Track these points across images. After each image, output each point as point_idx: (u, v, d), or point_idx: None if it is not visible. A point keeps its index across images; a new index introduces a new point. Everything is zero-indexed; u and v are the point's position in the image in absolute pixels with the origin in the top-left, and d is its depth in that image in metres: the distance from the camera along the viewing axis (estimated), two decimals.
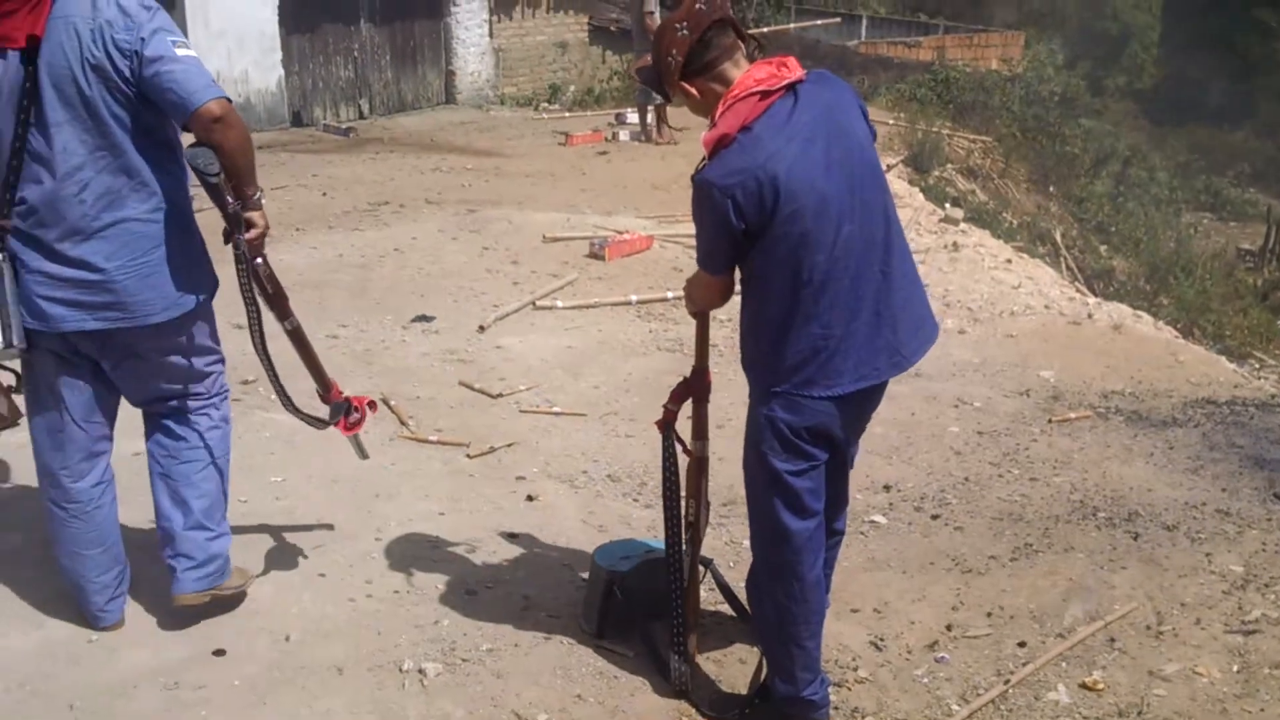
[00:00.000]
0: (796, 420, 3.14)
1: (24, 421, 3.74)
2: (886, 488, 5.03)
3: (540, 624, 3.91)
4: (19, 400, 5.03)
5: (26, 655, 3.65)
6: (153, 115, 3.40)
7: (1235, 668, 3.75)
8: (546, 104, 16.58)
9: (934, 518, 4.80)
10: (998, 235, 10.14)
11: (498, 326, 6.88)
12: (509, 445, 5.31)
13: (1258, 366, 10.32)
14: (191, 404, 3.76)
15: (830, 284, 3.04)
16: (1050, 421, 5.78)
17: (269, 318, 3.73)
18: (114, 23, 3.28)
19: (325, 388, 4.03)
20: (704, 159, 3.08)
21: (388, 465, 5.05)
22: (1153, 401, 6.12)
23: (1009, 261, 9.05)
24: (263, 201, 3.63)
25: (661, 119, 12.89)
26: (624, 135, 13.24)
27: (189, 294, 3.57)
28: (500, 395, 5.90)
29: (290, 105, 14.19)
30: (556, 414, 5.72)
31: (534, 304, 7.31)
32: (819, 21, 20.95)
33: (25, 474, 4.47)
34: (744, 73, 3.10)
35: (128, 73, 3.30)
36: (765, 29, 17.08)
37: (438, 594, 4.08)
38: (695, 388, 3.51)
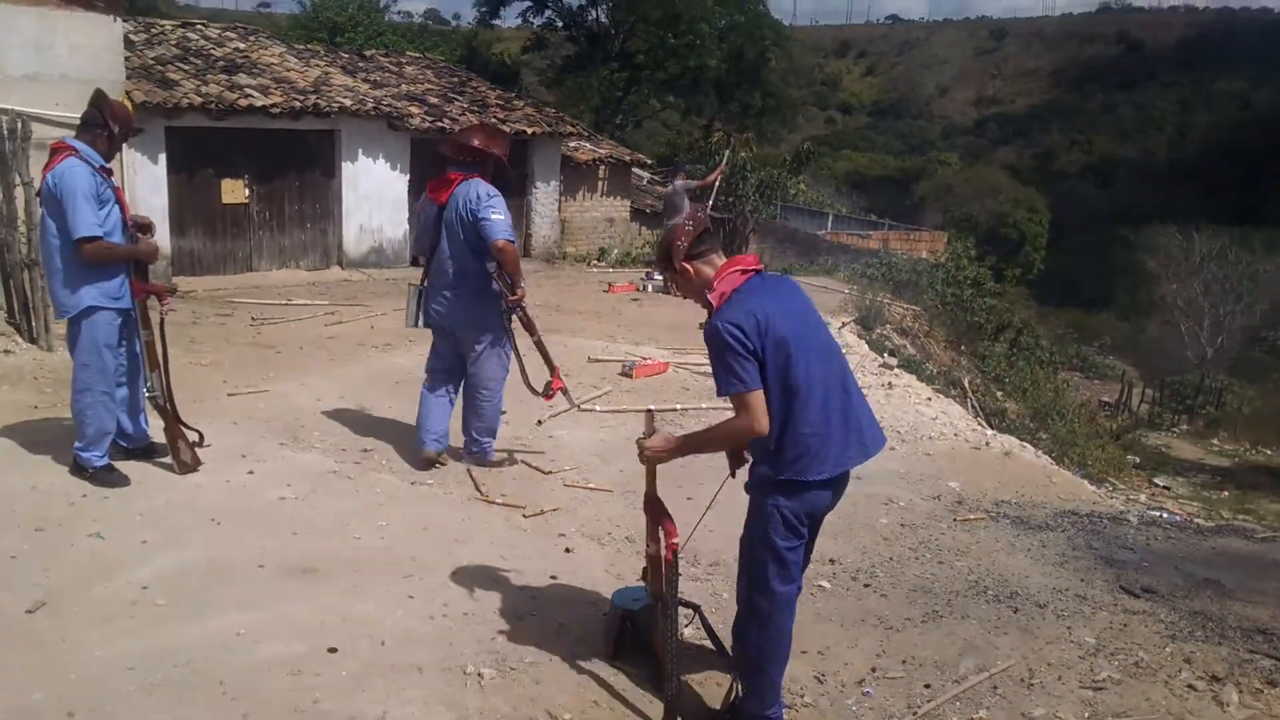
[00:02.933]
0: (797, 507, 3.21)
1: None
2: (831, 561, 5.00)
3: (570, 645, 3.89)
4: (201, 452, 5.06)
5: (191, 642, 3.67)
6: (480, 241, 5.30)
7: (1087, 715, 3.70)
8: (597, 261, 16.83)
9: (865, 586, 4.77)
10: (922, 379, 10.13)
11: (551, 422, 6.93)
12: (555, 510, 5.32)
13: (1111, 489, 10.25)
14: (477, 373, 5.60)
15: (811, 396, 3.15)
16: (955, 520, 5.75)
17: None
18: (472, 199, 5.32)
19: (552, 372, 5.77)
20: (709, 314, 3.24)
21: (464, 519, 5.07)
22: (1031, 510, 6.08)
23: (929, 399, 9.06)
24: (524, 285, 5.51)
25: None
26: (651, 288, 13.42)
27: (486, 317, 5.50)
28: (550, 473, 5.92)
29: (410, 250, 14.40)
30: (591, 489, 5.72)
31: (579, 407, 7.36)
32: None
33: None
34: (724, 262, 3.34)
35: (470, 221, 5.31)
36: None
37: (496, 616, 4.08)
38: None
